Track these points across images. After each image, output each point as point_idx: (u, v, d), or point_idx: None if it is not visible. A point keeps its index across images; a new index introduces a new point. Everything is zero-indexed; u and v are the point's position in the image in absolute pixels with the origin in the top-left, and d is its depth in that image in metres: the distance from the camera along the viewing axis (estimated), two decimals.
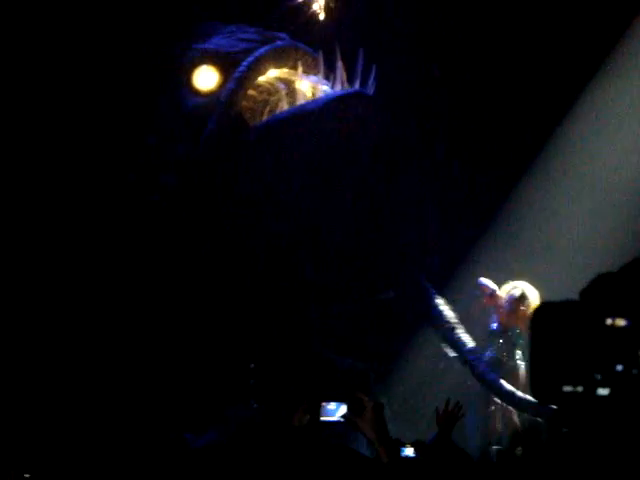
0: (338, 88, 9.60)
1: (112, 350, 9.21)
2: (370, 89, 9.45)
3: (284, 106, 9.64)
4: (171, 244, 9.40)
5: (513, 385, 9.49)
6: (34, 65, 9.58)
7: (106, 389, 9.00)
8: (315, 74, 9.87)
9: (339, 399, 6.02)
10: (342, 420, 5.88)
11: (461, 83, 11.67)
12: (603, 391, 2.97)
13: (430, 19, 11.57)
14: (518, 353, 9.94)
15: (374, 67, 9.53)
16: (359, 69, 9.49)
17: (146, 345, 9.27)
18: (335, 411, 6.03)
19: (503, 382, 9.43)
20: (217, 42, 9.92)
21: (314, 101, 9.49)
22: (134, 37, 9.77)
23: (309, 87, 9.86)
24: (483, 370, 9.53)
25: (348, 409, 5.45)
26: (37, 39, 9.61)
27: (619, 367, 2.98)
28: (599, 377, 2.95)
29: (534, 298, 9.96)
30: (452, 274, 11.01)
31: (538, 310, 3.05)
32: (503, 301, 10.10)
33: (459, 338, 9.60)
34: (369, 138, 9.12)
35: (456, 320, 9.65)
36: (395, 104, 9.98)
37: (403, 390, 10.68)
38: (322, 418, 6.06)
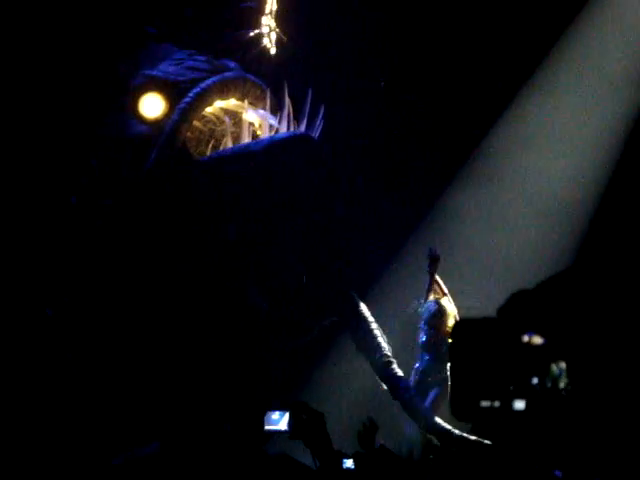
0: (284, 126, 9.60)
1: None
2: (316, 130, 9.49)
3: (228, 140, 9.64)
4: (110, 268, 9.36)
5: (444, 398, 9.66)
6: None
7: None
8: (263, 107, 9.86)
9: (282, 408, 6.06)
10: (286, 430, 5.95)
11: (397, 95, 11.79)
12: (519, 404, 3.06)
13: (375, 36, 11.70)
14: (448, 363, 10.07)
15: (322, 107, 9.58)
16: (307, 109, 9.52)
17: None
18: (279, 420, 6.08)
19: (438, 420, 9.40)
20: (165, 69, 9.80)
21: (258, 142, 9.49)
22: (83, 54, 9.72)
23: (256, 119, 9.86)
24: (418, 407, 9.52)
25: (290, 418, 5.52)
26: None
27: (534, 380, 3.07)
28: (515, 391, 3.04)
29: (451, 312, 10.13)
30: (376, 282, 11.12)
31: (456, 327, 3.14)
32: (428, 312, 10.22)
33: (394, 373, 9.52)
34: (311, 180, 9.19)
35: (389, 352, 9.61)
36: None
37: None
38: (266, 427, 6.11)
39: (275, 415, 6.11)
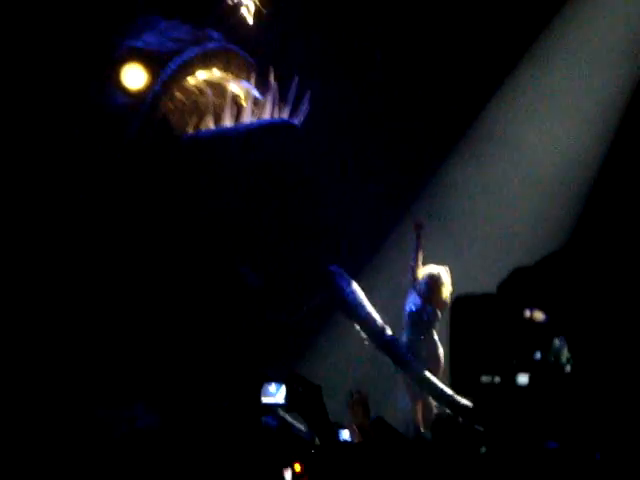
0: (268, 110, 9.60)
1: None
2: (300, 117, 9.51)
3: (211, 112, 9.63)
4: (90, 244, 9.36)
5: (433, 370, 9.68)
6: None
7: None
8: (247, 77, 9.83)
9: (279, 380, 6.07)
10: (283, 403, 5.96)
11: (393, 69, 11.74)
12: (523, 379, 3.05)
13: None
14: (435, 335, 10.05)
15: (308, 92, 9.57)
16: (292, 96, 9.51)
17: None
18: (275, 393, 6.08)
19: (424, 370, 9.57)
20: (147, 40, 9.73)
21: (238, 126, 9.49)
22: (69, 25, 9.66)
23: (240, 90, 9.83)
24: (403, 352, 9.68)
25: (287, 391, 5.53)
26: None
27: (537, 355, 3.07)
28: (518, 366, 3.04)
29: (448, 282, 10.10)
30: (374, 258, 11.11)
31: (456, 302, 3.13)
32: (420, 282, 10.19)
33: (392, 338, 9.67)
34: (289, 168, 9.25)
35: (381, 320, 9.74)
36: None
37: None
38: (263, 399, 6.12)
39: (271, 387, 6.12)
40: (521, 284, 3.16)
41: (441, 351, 9.97)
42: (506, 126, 11.48)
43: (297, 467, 5.16)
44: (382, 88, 11.64)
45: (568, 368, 3.06)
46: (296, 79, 9.48)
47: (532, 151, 11.35)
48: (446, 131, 11.44)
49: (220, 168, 9.25)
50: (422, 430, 9.53)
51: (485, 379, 3.02)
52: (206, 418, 5.85)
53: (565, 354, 3.09)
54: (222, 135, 9.42)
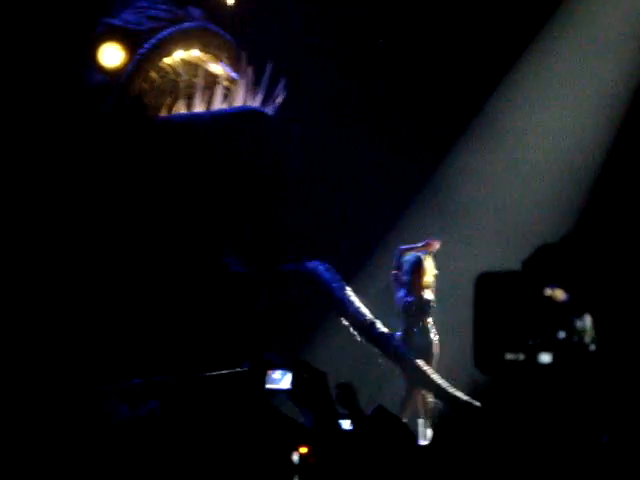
0: (240, 96, 9.56)
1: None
2: (274, 104, 9.48)
3: (182, 93, 9.60)
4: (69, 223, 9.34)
5: (427, 360, 9.67)
6: None
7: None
8: (227, 56, 9.77)
9: (284, 367, 6.05)
10: (287, 389, 5.93)
11: (398, 53, 11.70)
12: (546, 358, 3.01)
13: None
14: (428, 323, 9.97)
15: (283, 79, 9.55)
16: (265, 82, 9.48)
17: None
18: (280, 380, 6.06)
19: (416, 362, 9.57)
20: (126, 18, 9.69)
21: (208, 113, 9.48)
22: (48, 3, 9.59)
23: (219, 70, 9.79)
24: (394, 345, 9.66)
25: (293, 378, 5.49)
26: None
27: (561, 334, 3.02)
28: (541, 344, 3.00)
29: (429, 265, 10.02)
30: (382, 241, 11.05)
31: (480, 280, 3.08)
32: (402, 272, 10.12)
33: (381, 332, 9.67)
34: (257, 156, 9.25)
35: (369, 314, 9.75)
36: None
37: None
38: (267, 386, 6.09)
39: (276, 375, 6.10)
40: (546, 262, 3.11)
41: (434, 340, 9.90)
42: (513, 114, 11.45)
43: (303, 450, 5.13)
44: (387, 77, 11.59)
45: (592, 347, 3.02)
46: (270, 65, 9.49)
47: (539, 138, 11.32)
48: (452, 120, 11.40)
49: (190, 153, 9.28)
50: (419, 419, 9.49)
51: (509, 356, 2.97)
52: (207, 403, 5.82)
53: (589, 333, 3.05)
54: (194, 120, 9.42)
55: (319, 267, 9.74)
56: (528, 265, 3.11)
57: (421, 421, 9.50)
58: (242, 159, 9.32)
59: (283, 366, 6.07)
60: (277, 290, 9.83)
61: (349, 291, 9.73)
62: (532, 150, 11.30)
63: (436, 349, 9.90)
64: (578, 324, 3.03)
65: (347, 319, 9.70)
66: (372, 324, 9.65)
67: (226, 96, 9.66)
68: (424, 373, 9.49)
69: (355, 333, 9.72)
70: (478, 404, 8.51)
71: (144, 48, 9.44)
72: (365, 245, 11.05)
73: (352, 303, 9.68)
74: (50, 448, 6.53)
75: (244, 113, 9.42)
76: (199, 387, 6.97)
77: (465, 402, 9.10)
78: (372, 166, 11.41)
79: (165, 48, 9.56)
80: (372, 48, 11.67)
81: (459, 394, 9.25)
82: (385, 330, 9.72)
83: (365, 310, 9.69)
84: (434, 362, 9.80)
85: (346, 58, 11.43)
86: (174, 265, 9.40)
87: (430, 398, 9.65)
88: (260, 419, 5.50)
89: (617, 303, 3.15)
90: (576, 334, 3.01)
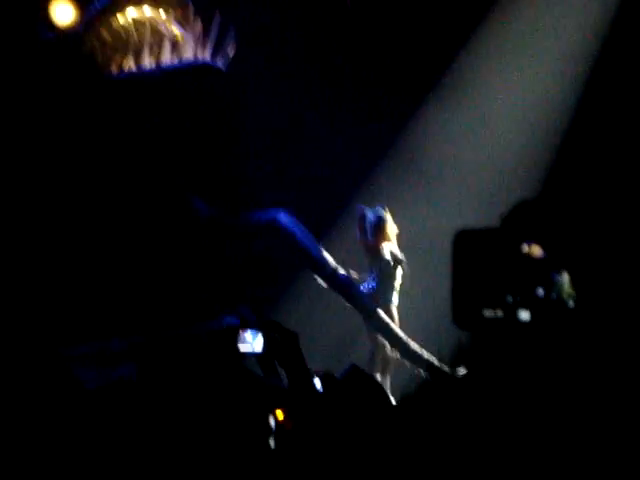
0: (190, 48, 9.52)
1: None
2: (225, 54, 9.46)
3: (131, 53, 9.55)
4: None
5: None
6: None
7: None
8: (181, 15, 9.71)
9: (256, 328, 5.99)
10: (260, 352, 5.89)
11: (364, 15, 11.60)
12: (524, 315, 2.98)
13: None
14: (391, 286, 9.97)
15: (232, 30, 9.50)
16: (215, 31, 9.46)
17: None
18: (252, 341, 6.00)
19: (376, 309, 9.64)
20: None
21: (158, 68, 9.46)
22: None
23: (173, 30, 9.74)
24: (355, 289, 9.70)
25: (264, 338, 5.45)
26: None
27: (540, 291, 3.00)
28: (519, 301, 2.97)
29: (391, 221, 9.91)
30: (350, 199, 11.00)
31: (458, 236, 3.05)
32: (367, 229, 10.02)
33: (344, 277, 9.74)
34: (213, 105, 9.30)
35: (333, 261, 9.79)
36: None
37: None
38: (240, 347, 6.03)
39: (248, 335, 6.03)
40: (523, 218, 3.08)
41: (393, 305, 9.83)
42: (481, 71, 11.40)
43: (279, 414, 5.09)
44: (352, 35, 11.49)
45: (571, 304, 2.99)
46: (218, 16, 9.47)
47: (508, 94, 11.28)
48: (420, 78, 11.33)
49: (142, 109, 9.29)
50: (379, 377, 9.42)
51: (488, 313, 2.94)
52: (182, 366, 5.76)
53: (567, 290, 3.02)
54: (144, 77, 9.42)
55: (282, 214, 9.82)
56: (506, 222, 3.08)
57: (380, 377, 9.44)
58: (194, 112, 9.36)
59: (255, 324, 6.02)
60: (244, 237, 9.94)
61: (312, 238, 9.80)
62: (501, 107, 11.26)
63: (393, 313, 9.80)
64: (557, 280, 3.00)
65: (310, 266, 9.77)
66: (334, 270, 9.72)
67: (173, 51, 9.63)
68: (387, 325, 9.54)
69: (320, 280, 9.77)
70: (443, 365, 8.60)
71: (95, 7, 9.42)
72: (332, 202, 10.94)
73: (315, 249, 9.74)
74: (15, 417, 6.44)
75: (193, 67, 9.43)
76: (173, 349, 6.93)
77: (428, 360, 9.21)
78: (339, 123, 11.30)
79: (116, 6, 9.53)
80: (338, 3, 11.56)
81: (425, 352, 9.35)
82: (348, 275, 9.77)
83: (328, 257, 9.77)
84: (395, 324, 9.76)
85: (308, 4, 11.30)
86: (141, 217, 9.41)
87: (391, 353, 9.66)
88: (235, 382, 5.45)
89: (595, 259, 3.12)
90: (555, 291, 2.98)
